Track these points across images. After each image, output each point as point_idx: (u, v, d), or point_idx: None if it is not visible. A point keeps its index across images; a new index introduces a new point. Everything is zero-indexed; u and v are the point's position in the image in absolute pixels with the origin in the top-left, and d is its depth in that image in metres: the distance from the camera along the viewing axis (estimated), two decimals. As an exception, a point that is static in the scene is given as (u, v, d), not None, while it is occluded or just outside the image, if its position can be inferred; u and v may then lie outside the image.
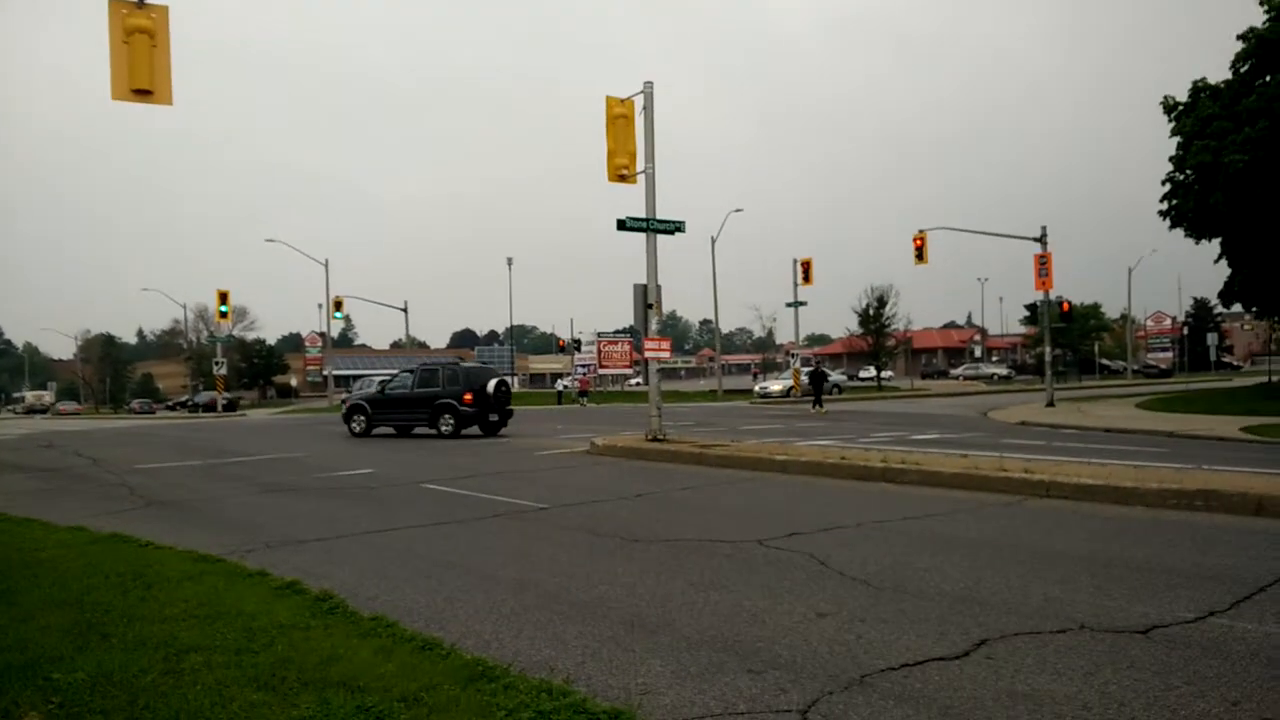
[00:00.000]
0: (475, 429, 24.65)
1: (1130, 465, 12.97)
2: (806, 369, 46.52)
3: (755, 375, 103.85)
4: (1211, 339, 54.87)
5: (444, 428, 24.26)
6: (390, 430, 25.69)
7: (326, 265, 58.47)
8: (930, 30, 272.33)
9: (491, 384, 24.99)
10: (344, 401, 30.56)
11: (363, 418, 25.82)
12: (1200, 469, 12.31)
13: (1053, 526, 8.81)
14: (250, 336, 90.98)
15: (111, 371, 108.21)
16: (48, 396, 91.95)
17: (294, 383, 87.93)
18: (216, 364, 58.21)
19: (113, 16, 10.99)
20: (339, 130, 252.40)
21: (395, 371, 30.32)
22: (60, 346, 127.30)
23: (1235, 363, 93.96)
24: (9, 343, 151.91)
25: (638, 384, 79.09)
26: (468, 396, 24.29)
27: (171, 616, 5.68)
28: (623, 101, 19.22)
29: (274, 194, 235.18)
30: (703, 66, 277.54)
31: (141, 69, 11.02)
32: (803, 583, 6.62)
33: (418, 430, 25.36)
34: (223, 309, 54.18)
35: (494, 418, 25.05)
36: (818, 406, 36.02)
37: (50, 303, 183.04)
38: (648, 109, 19.46)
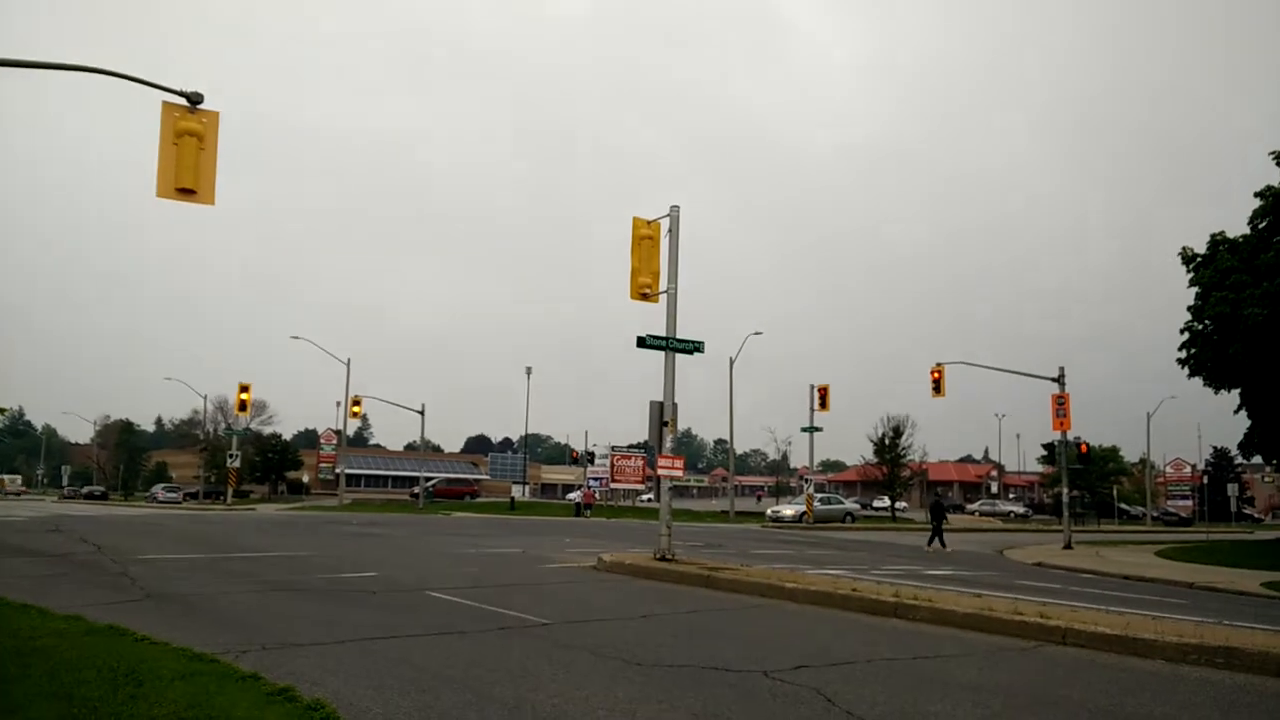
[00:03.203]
0: None
1: (1150, 616, 12.63)
2: (932, 499, 40.62)
3: (759, 498, 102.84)
4: (1232, 489, 54.10)
5: None
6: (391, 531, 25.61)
7: (348, 365, 59.19)
8: (947, 166, 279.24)
9: None
10: None
11: None
12: (1221, 624, 11.96)
13: (1069, 676, 8.53)
14: (267, 430, 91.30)
15: (126, 458, 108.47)
16: (19, 481, 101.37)
17: (306, 479, 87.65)
18: (231, 456, 58.30)
19: (165, 118, 11.54)
20: (363, 233, 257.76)
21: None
22: (80, 431, 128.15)
23: (1256, 515, 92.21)
24: (29, 424, 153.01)
25: (649, 500, 78.33)
26: None
27: (159, 717, 5.56)
28: (649, 223, 19.73)
29: (299, 292, 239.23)
30: (728, 192, 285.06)
31: (188, 169, 11.52)
32: (808, 720, 6.41)
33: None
34: (242, 402, 54.55)
35: None
36: (935, 544, 30.81)
37: (74, 388, 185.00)
38: (673, 231, 19.95)
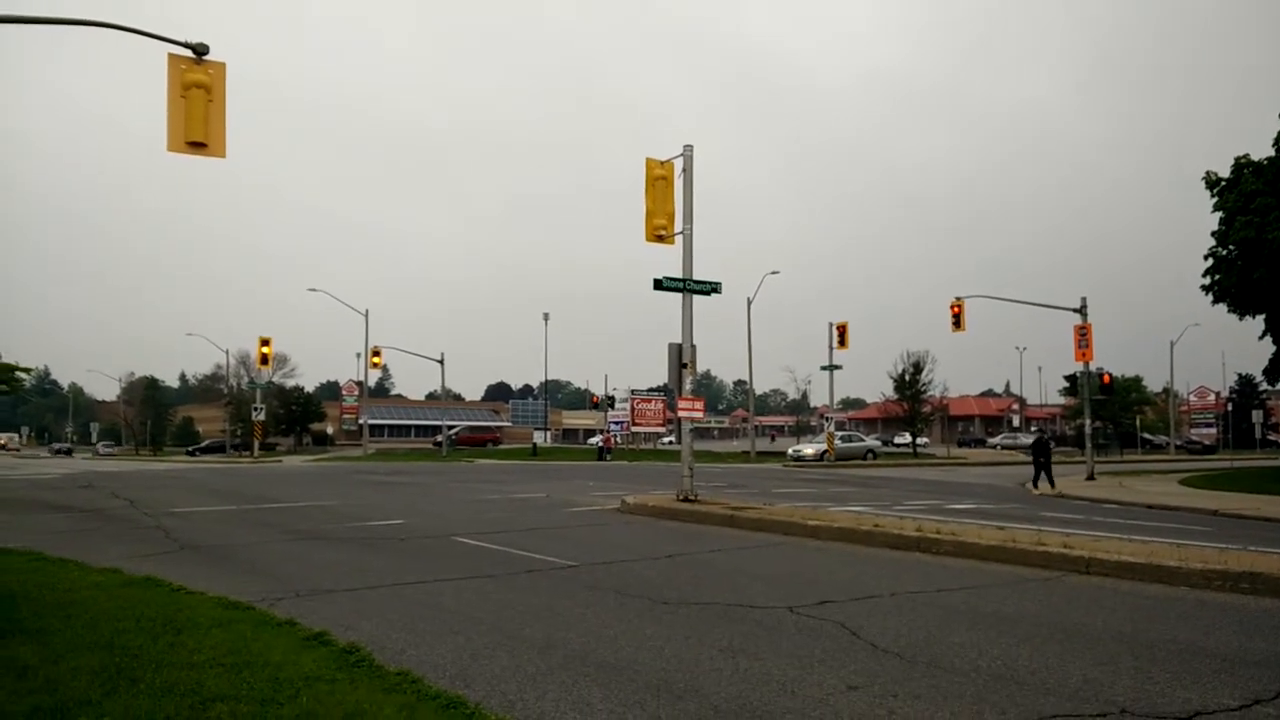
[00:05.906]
0: None
1: (1173, 544, 12.64)
2: (1032, 435, 36.19)
3: (773, 438, 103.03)
4: (1257, 416, 53.69)
5: None
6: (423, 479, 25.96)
7: (366, 316, 59.37)
8: (971, 98, 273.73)
9: None
10: None
11: None
12: (1246, 550, 11.97)
13: (1093, 604, 8.59)
14: (290, 383, 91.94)
15: (153, 414, 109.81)
16: (16, 438, 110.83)
17: (330, 430, 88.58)
18: (255, 410, 58.96)
19: (171, 71, 11.41)
20: (382, 182, 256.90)
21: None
22: (105, 388, 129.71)
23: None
24: (55, 383, 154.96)
25: (670, 442, 78.75)
26: None
27: (199, 663, 5.70)
28: (663, 164, 19.50)
29: (317, 242, 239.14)
30: (745, 129, 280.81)
31: (197, 122, 11.43)
32: (834, 653, 6.50)
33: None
34: (264, 355, 55.00)
35: None
36: (1043, 484, 27.58)
37: (98, 345, 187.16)
38: (687, 171, 19.71)
